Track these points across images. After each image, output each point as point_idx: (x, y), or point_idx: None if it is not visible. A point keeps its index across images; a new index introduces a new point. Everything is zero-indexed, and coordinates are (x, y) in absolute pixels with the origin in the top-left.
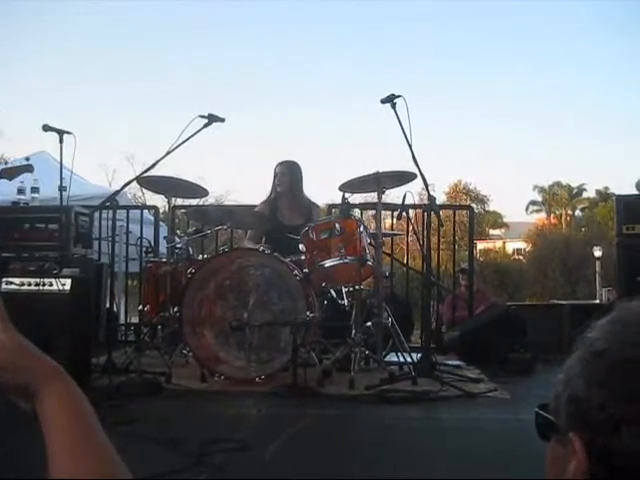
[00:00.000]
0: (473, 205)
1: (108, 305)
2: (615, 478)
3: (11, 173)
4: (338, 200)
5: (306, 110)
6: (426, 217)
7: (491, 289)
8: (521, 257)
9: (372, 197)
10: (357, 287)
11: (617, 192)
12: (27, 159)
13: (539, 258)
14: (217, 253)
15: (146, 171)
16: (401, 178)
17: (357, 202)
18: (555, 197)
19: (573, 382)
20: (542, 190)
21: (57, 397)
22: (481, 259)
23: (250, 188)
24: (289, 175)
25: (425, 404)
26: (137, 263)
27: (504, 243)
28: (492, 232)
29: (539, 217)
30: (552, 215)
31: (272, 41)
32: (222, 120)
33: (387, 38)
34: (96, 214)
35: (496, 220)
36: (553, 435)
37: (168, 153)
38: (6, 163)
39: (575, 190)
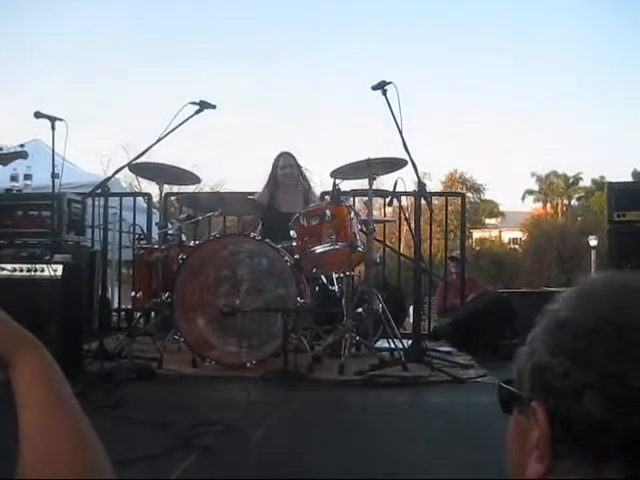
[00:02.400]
0: (469, 194)
1: (101, 292)
2: (576, 443)
3: (5, 159)
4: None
5: (303, 98)
6: (416, 203)
7: (487, 278)
8: (517, 246)
9: (365, 184)
10: (348, 273)
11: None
12: (22, 145)
13: (535, 247)
14: (208, 239)
15: (137, 158)
16: (392, 165)
17: (350, 188)
18: (551, 186)
19: (537, 353)
20: (539, 179)
21: (30, 364)
22: (477, 248)
23: (245, 176)
24: (296, 167)
25: (414, 389)
26: (131, 250)
27: (500, 232)
28: (488, 221)
29: (535, 206)
30: (548, 204)
31: (268, 30)
32: (213, 107)
33: (383, 26)
34: (89, 202)
35: (492, 209)
36: (516, 407)
37: (159, 140)
38: (0, 149)
39: (571, 179)
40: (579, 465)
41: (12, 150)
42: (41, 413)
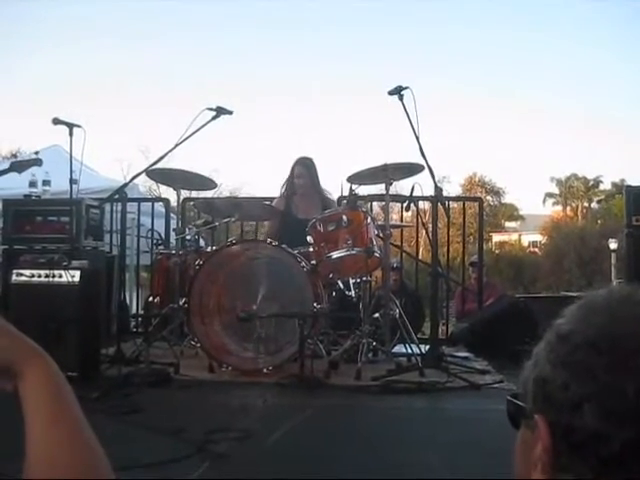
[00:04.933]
0: (489, 197)
1: (119, 297)
2: (576, 455)
3: (20, 166)
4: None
5: (321, 103)
6: (433, 208)
7: (506, 281)
8: (537, 250)
9: (383, 189)
10: (365, 278)
11: (634, 184)
12: (36, 153)
13: (555, 251)
14: (225, 244)
15: (155, 163)
16: (409, 170)
17: (368, 193)
18: (571, 189)
19: (539, 365)
20: (559, 182)
21: (37, 375)
22: (497, 251)
23: (264, 181)
24: (309, 176)
25: (431, 395)
26: (150, 255)
27: (520, 235)
28: (508, 224)
29: (555, 209)
30: (568, 207)
31: (285, 38)
32: (230, 112)
33: (402, 28)
34: (107, 207)
35: (512, 212)
36: (522, 420)
37: (176, 146)
38: (15, 157)
39: (591, 182)
40: (579, 477)
41: (26, 158)
42: (46, 424)
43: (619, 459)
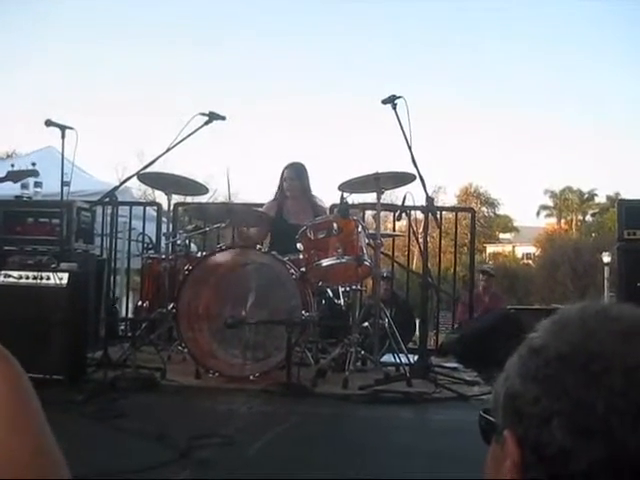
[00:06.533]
0: (484, 209)
1: (111, 301)
2: (545, 469)
3: (17, 176)
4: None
5: (316, 111)
6: (425, 218)
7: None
8: (530, 261)
9: (375, 197)
10: (354, 287)
11: (628, 198)
12: (33, 164)
13: (549, 263)
14: (214, 250)
15: (146, 167)
16: (401, 179)
17: (360, 201)
18: (566, 202)
19: (510, 379)
20: (553, 195)
21: (1, 380)
22: (490, 263)
23: (260, 187)
24: (298, 180)
25: (418, 405)
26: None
27: (514, 247)
28: (502, 236)
29: (549, 222)
30: (562, 220)
31: (281, 45)
32: (223, 118)
33: (397, 38)
34: (99, 210)
35: (506, 224)
36: (493, 435)
37: (167, 150)
38: (12, 166)
39: (586, 195)
40: None
41: (23, 168)
42: (5, 427)
43: (588, 475)
